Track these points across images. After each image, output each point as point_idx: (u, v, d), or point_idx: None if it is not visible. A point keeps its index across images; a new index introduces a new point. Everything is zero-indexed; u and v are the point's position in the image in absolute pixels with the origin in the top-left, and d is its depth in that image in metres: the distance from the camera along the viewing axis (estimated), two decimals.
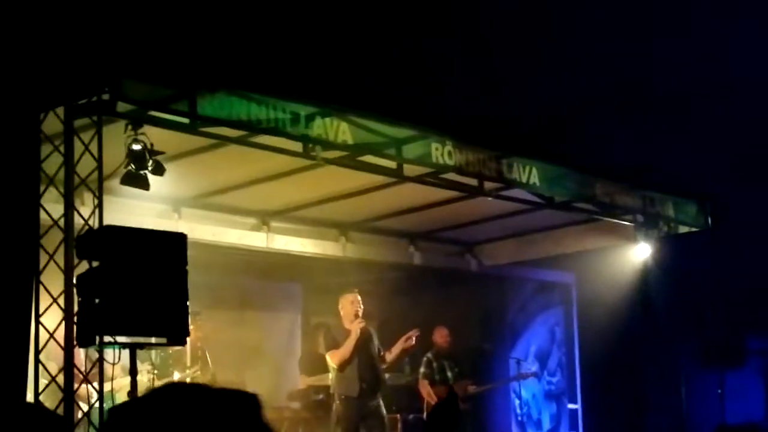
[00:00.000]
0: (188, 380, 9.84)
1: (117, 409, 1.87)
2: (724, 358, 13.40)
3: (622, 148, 10.99)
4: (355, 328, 9.81)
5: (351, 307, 9.91)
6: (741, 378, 13.74)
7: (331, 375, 10.05)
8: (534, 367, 13.26)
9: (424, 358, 11.41)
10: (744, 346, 13.65)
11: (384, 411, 10.08)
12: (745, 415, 12.51)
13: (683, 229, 11.72)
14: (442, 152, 9.12)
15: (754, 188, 11.90)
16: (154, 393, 1.83)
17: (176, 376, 9.88)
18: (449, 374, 11.56)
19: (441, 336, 11.59)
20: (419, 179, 9.57)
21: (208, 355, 10.06)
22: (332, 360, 9.90)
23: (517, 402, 13.33)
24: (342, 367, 9.84)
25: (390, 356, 10.27)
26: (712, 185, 11.75)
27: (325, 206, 10.61)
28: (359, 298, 9.96)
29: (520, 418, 13.31)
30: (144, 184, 7.87)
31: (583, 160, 10.41)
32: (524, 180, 9.76)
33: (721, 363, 13.43)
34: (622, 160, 10.88)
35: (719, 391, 13.45)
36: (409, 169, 9.25)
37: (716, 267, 12.27)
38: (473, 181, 9.73)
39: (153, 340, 7.60)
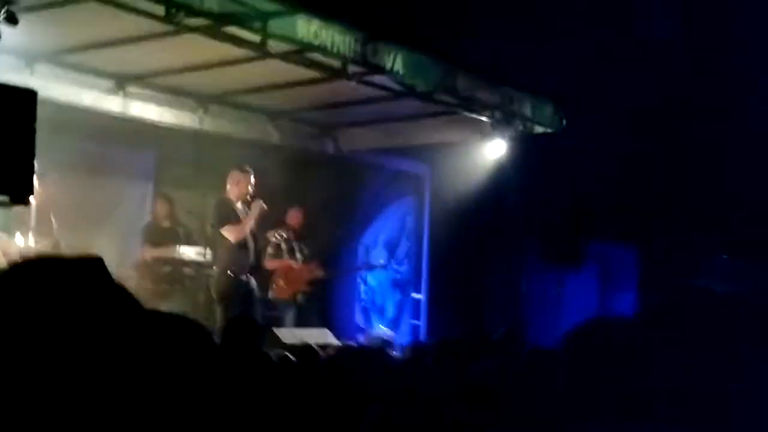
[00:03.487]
0: (32, 244, 9.66)
1: None
2: (563, 259, 13.88)
3: (485, 44, 11.08)
4: (256, 206, 10.15)
5: (237, 188, 10.13)
6: (580, 281, 14.28)
7: (215, 251, 10.42)
8: (383, 256, 13.46)
9: (273, 239, 11.45)
10: (583, 250, 14.15)
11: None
12: (581, 314, 13.00)
13: (538, 129, 11.97)
14: (308, 30, 9.02)
15: (607, 94, 12.20)
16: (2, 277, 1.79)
17: (18, 238, 9.66)
18: (298, 256, 11.65)
19: (294, 217, 11.63)
20: (283, 56, 9.47)
21: (53, 219, 9.86)
22: (230, 236, 10.13)
23: (362, 288, 13.54)
24: (239, 244, 10.08)
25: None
26: (567, 89, 11.99)
27: (185, 76, 10.38)
28: (251, 177, 10.16)
29: (364, 305, 13.54)
30: None
31: (448, 52, 10.47)
32: (388, 66, 9.75)
33: (560, 264, 13.91)
34: (484, 57, 10.98)
35: (557, 290, 13.96)
36: (274, 45, 9.14)
37: (565, 170, 12.62)
38: (337, 63, 9.70)
39: None
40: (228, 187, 10.35)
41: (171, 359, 1.81)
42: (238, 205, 10.32)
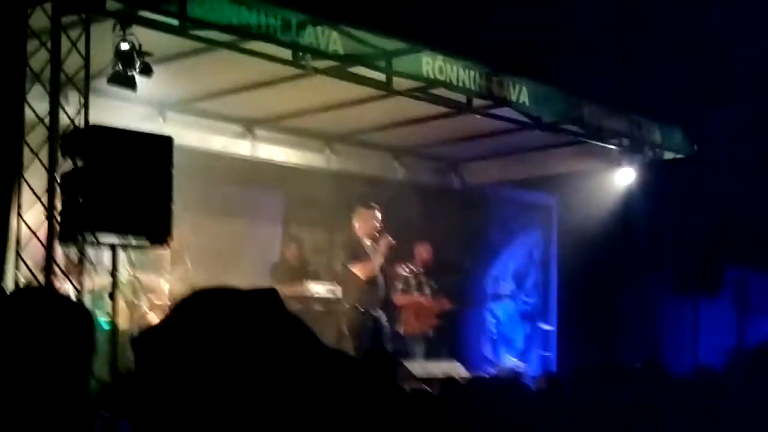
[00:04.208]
0: (167, 283, 9.88)
1: (152, 330, 1.89)
2: (700, 286, 13.52)
3: (610, 72, 10.95)
4: (384, 242, 10.27)
5: (365, 224, 10.23)
6: (715, 307, 13.88)
7: (345, 287, 10.48)
8: (511, 287, 13.34)
9: (401, 274, 11.44)
10: (720, 276, 13.77)
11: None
12: (718, 341, 12.65)
13: (668, 156, 11.75)
14: (432, 66, 9.07)
15: (739, 118, 11.90)
16: (183, 304, 1.86)
17: (154, 278, 9.88)
18: (427, 290, 11.62)
19: (423, 251, 11.58)
20: (408, 93, 9.51)
21: (188, 260, 10.07)
22: (360, 272, 10.26)
23: (491, 321, 13.42)
24: (369, 280, 10.12)
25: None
26: (698, 113, 11.74)
27: (312, 117, 10.55)
28: (377, 214, 10.22)
29: (493, 337, 13.42)
30: (131, 85, 7.82)
31: (572, 81, 10.37)
32: (513, 98, 9.73)
33: (696, 291, 13.55)
34: (610, 84, 10.84)
35: (693, 319, 13.59)
36: (398, 83, 9.20)
37: (698, 195, 12.31)
38: (462, 98, 9.70)
39: (135, 241, 7.62)
40: (356, 224, 10.44)
41: (343, 393, 1.85)
42: (366, 241, 10.39)
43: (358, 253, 10.37)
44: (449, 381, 7.35)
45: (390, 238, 10.35)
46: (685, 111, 11.62)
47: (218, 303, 1.79)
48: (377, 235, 10.38)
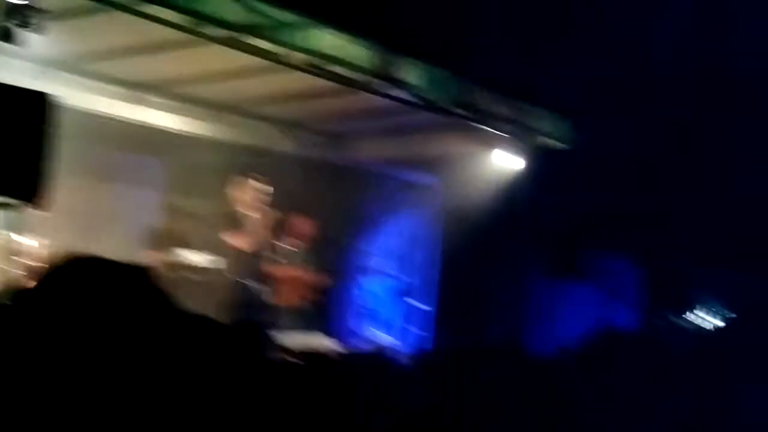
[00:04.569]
0: (42, 246, 9.60)
1: (22, 294, 1.86)
2: (567, 271, 13.92)
3: (505, 60, 11.10)
4: (266, 214, 10.25)
5: (248, 196, 10.17)
6: (581, 293, 14.30)
7: (223, 258, 10.40)
8: (389, 266, 13.43)
9: (282, 246, 11.39)
10: (587, 263, 14.18)
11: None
12: (580, 330, 13.01)
13: (553, 145, 11.97)
14: (328, 43, 9.02)
15: (624, 114, 12.23)
16: (57, 271, 1.84)
17: (24, 240, 9.59)
18: (306, 264, 11.60)
19: (305, 225, 11.55)
20: (303, 67, 9.43)
21: (59, 223, 9.80)
22: (239, 244, 10.10)
23: (367, 297, 13.50)
24: (248, 251, 10.12)
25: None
26: (584, 106, 12.01)
27: (201, 85, 10.41)
28: (261, 185, 10.16)
29: (368, 313, 13.49)
30: (19, 41, 7.54)
31: (466, 66, 10.48)
32: (408, 80, 9.75)
33: (563, 276, 13.94)
34: (502, 72, 10.99)
35: (559, 303, 13.99)
36: (294, 57, 9.11)
37: (577, 185, 12.62)
38: (356, 76, 9.68)
39: (7, 201, 7.42)
40: (238, 195, 10.37)
41: (210, 364, 1.90)
42: (248, 213, 10.34)
43: (238, 224, 10.31)
44: (320, 355, 7.38)
45: (272, 211, 10.32)
46: (573, 103, 11.87)
47: (91, 274, 1.79)
48: (259, 206, 10.35)
